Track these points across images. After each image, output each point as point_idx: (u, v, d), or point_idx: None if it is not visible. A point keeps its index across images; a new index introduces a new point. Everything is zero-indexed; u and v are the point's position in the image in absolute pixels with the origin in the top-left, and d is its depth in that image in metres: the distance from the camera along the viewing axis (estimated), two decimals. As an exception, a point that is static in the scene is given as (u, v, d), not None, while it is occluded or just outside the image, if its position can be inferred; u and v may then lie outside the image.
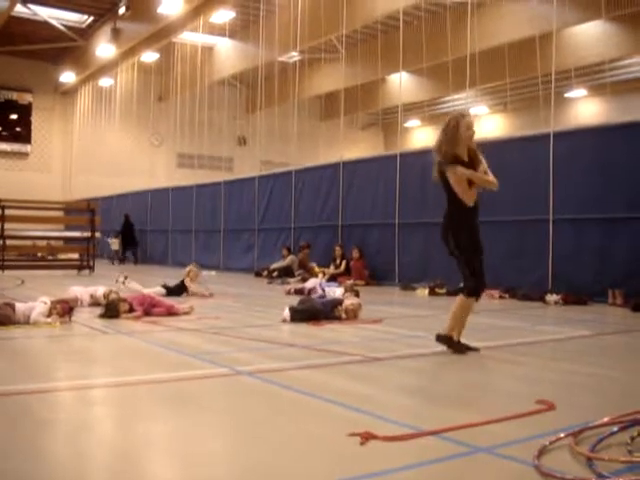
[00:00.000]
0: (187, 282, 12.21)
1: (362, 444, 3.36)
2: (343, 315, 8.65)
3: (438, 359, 6.03)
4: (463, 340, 6.35)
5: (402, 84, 30.44)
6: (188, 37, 27.60)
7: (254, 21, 26.35)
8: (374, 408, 4.16)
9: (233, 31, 27.41)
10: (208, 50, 30.13)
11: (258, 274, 18.66)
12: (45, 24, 28.29)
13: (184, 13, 23.43)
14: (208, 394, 4.70)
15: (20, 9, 26.13)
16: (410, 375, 5.52)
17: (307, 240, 18.04)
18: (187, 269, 12.65)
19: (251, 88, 34.22)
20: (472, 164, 6.20)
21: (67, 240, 24.13)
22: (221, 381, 5.07)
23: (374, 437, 3.43)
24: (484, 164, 6.27)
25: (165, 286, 11.95)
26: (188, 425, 3.81)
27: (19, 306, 7.95)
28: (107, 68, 30.65)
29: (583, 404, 4.45)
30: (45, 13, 27.60)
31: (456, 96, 32.16)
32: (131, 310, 8.74)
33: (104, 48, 28.48)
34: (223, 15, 24.76)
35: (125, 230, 26.71)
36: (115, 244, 26.77)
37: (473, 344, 6.36)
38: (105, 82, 32.61)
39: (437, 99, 34.90)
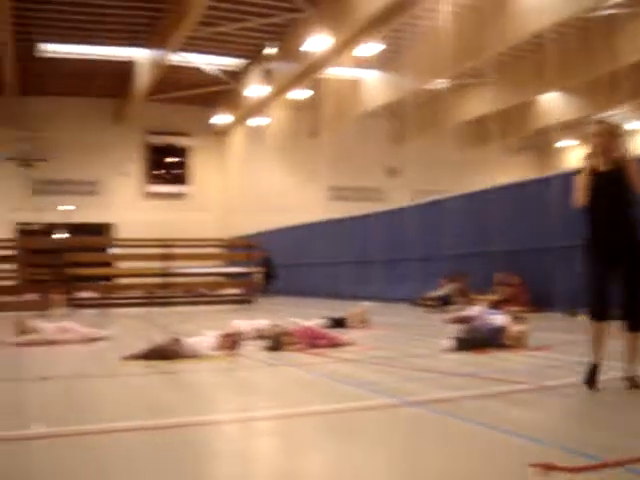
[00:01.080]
0: (351, 322, 12.11)
1: (545, 476, 3.23)
2: (509, 342, 8.43)
3: (614, 386, 5.68)
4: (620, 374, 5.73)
5: (553, 103, 29.76)
6: (335, 71, 28.10)
7: (398, 51, 26.57)
8: (549, 437, 4.00)
9: (379, 62, 27.67)
10: (355, 83, 30.57)
11: (415, 303, 18.52)
12: (197, 70, 29.60)
13: (332, 48, 23.86)
14: (375, 425, 4.68)
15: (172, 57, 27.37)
16: (584, 403, 5.29)
17: (464, 268, 17.74)
18: (359, 310, 12.60)
19: (399, 118, 34.43)
20: (620, 173, 5.74)
21: (229, 276, 24.97)
22: (387, 412, 5.04)
23: (557, 468, 3.28)
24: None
25: (329, 318, 11.99)
26: (355, 456, 3.81)
27: (186, 341, 8.24)
28: (259, 107, 31.68)
29: None
30: (199, 60, 28.90)
31: (611, 112, 30.90)
32: (295, 342, 8.87)
33: (256, 89, 29.50)
34: (372, 48, 25.05)
35: (266, 264, 27.35)
36: (258, 277, 27.42)
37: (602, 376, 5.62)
38: (257, 121, 33.66)
39: (591, 116, 33.70)
